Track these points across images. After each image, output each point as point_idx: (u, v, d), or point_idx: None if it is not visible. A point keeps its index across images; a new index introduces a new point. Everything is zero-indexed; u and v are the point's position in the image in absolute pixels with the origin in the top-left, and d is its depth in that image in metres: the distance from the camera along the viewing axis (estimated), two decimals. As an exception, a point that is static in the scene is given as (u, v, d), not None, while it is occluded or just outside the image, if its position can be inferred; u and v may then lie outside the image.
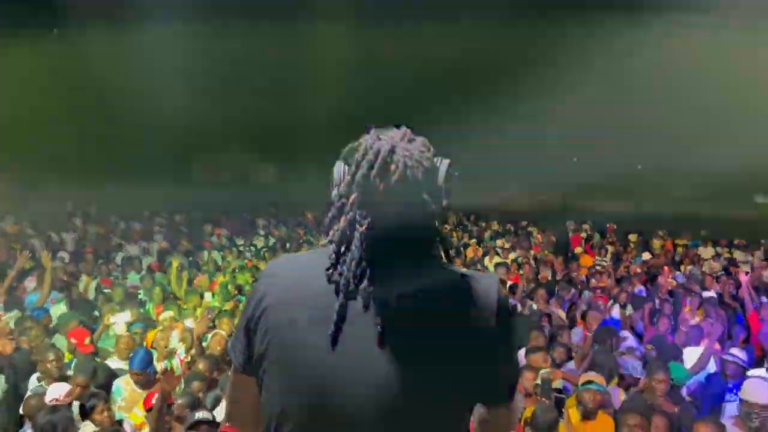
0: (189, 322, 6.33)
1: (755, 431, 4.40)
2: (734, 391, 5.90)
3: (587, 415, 4.71)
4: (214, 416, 3.95)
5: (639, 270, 11.17)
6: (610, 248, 13.58)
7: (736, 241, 13.95)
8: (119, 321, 6.90)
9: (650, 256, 12.78)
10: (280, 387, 1.56)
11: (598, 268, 11.33)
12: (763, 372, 6.24)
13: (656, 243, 14.38)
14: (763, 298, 8.73)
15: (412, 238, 1.49)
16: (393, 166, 1.45)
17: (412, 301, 1.45)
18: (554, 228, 15.36)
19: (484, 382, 1.51)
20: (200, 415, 3.81)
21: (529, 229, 16.48)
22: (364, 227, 1.46)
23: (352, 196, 1.48)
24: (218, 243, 13.40)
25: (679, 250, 13.79)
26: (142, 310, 7.77)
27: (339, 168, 1.60)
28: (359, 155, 1.48)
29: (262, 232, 14.78)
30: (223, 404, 4.82)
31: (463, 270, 1.59)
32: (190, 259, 11.77)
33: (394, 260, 1.47)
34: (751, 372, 6.09)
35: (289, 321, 1.51)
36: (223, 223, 15.88)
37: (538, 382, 5.07)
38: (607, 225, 15.45)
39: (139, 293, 8.97)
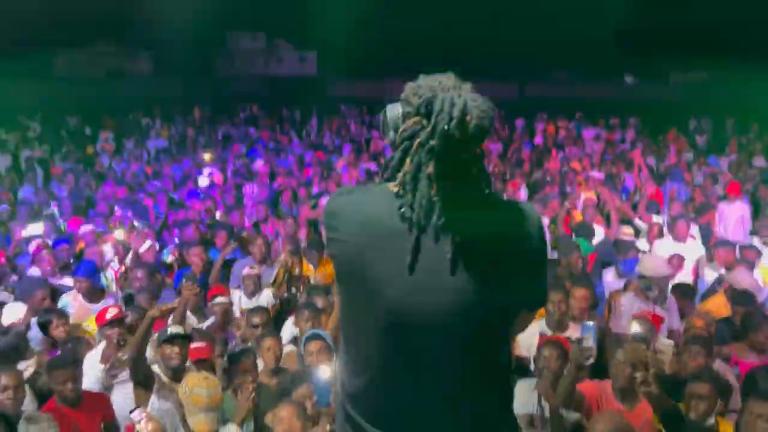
0: (118, 234, 6.20)
1: (653, 300, 5.00)
2: (617, 260, 6.71)
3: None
4: (185, 330, 4.03)
5: (530, 154, 11.87)
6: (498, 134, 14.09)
7: (611, 121, 14.96)
8: (33, 233, 6.64)
9: (540, 140, 13.53)
10: (353, 312, 1.80)
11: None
12: (645, 244, 7.12)
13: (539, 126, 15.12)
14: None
15: (471, 176, 1.71)
16: (468, 117, 1.62)
17: (474, 230, 1.68)
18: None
19: (531, 292, 1.81)
20: (173, 329, 3.88)
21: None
22: (431, 168, 1.64)
23: (430, 143, 1.62)
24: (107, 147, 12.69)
25: (561, 132, 14.61)
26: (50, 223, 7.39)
27: (395, 110, 1.76)
28: (437, 106, 1.62)
29: (154, 134, 14.07)
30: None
31: (507, 198, 1.84)
32: (82, 165, 11.17)
33: (457, 196, 1.67)
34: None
35: (359, 255, 1.70)
36: (106, 123, 14.95)
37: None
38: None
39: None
